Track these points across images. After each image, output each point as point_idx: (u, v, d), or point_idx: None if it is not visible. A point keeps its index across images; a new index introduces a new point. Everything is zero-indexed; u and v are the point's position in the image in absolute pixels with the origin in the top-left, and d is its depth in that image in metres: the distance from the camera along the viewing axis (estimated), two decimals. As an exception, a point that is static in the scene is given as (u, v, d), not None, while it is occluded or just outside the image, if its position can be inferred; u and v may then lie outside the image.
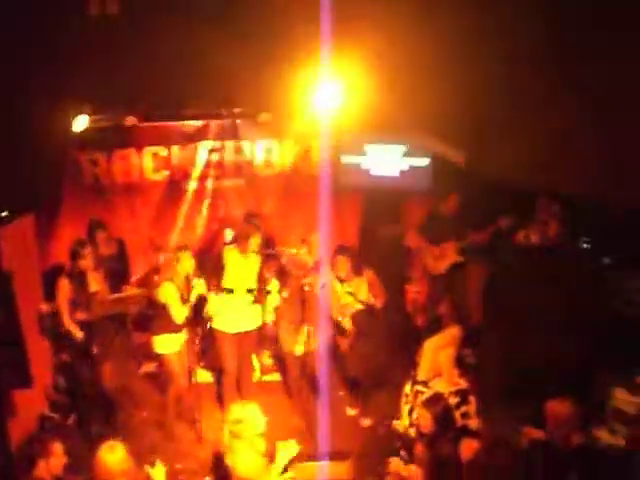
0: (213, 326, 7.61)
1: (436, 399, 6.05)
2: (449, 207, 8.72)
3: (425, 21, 5.87)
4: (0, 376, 6.08)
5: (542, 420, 5.11)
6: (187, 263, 7.31)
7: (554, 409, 4.98)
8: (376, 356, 7.82)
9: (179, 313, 7.22)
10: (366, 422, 7.80)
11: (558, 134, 6.11)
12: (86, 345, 7.14)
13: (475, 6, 5.75)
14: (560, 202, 7.90)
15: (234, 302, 7.52)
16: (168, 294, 7.23)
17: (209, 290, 7.54)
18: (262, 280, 7.72)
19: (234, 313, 7.54)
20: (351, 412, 8.02)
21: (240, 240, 7.56)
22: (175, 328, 7.30)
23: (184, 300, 7.24)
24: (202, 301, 7.68)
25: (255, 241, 7.48)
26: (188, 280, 7.30)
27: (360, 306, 7.87)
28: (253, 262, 7.59)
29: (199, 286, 7.37)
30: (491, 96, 5.88)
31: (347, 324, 7.85)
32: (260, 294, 7.69)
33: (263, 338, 8.69)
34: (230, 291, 7.50)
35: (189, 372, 7.42)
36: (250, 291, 7.55)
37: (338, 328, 7.90)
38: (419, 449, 5.94)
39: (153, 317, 7.50)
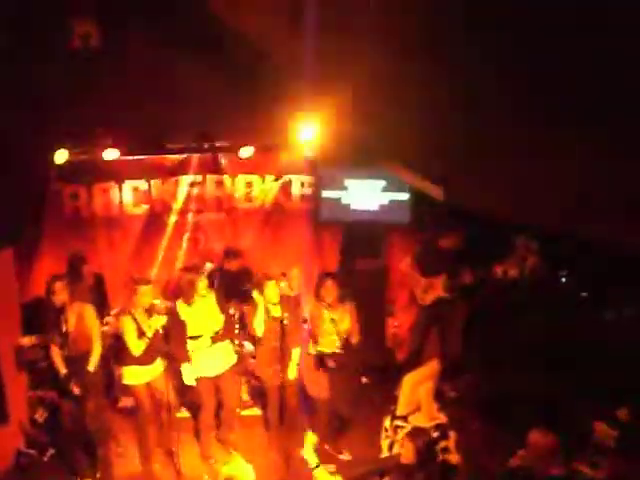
0: (191, 372, 7.47)
1: (420, 432, 6.06)
2: (449, 243, 8.75)
3: (405, 57, 5.94)
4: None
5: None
6: (146, 298, 7.27)
7: (536, 438, 5.02)
8: (349, 392, 7.77)
9: (135, 347, 7.18)
10: (344, 457, 7.74)
11: (538, 169, 6.17)
12: (66, 381, 7.04)
13: (454, 41, 5.82)
14: (538, 237, 8.00)
15: (205, 346, 7.44)
16: (125, 327, 7.22)
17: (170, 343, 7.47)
18: (227, 315, 7.69)
19: (208, 357, 7.46)
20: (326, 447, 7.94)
21: (184, 292, 7.49)
22: (144, 360, 7.28)
23: (141, 334, 7.19)
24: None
25: (202, 284, 7.44)
26: (150, 314, 7.25)
27: (336, 338, 7.80)
28: (208, 304, 7.53)
29: (157, 321, 7.25)
30: (470, 130, 5.95)
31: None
32: (227, 330, 7.66)
33: (242, 373, 8.67)
34: (197, 337, 7.43)
35: (167, 406, 7.34)
36: (216, 333, 7.49)
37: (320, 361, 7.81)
38: None
39: (123, 349, 7.45)
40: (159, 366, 7.39)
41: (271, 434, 7.92)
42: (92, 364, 7.17)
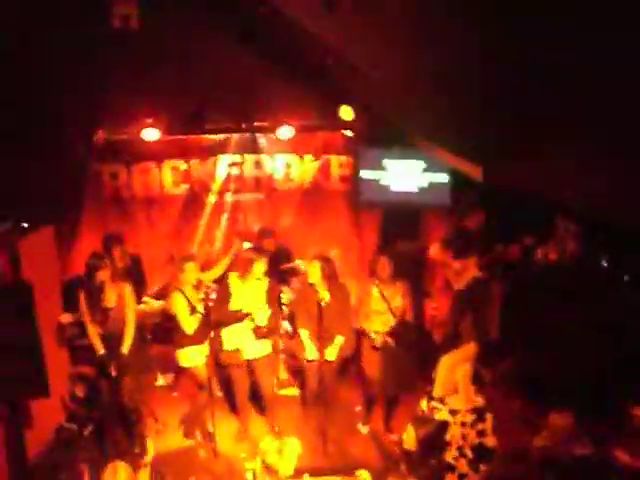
0: (225, 347, 7.42)
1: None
2: (474, 223, 8.68)
3: (442, 35, 5.87)
4: (18, 386, 6.11)
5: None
6: (191, 274, 7.31)
7: (554, 420, 5.00)
8: (408, 371, 7.76)
9: (188, 324, 7.21)
10: (393, 437, 7.72)
11: (579, 149, 6.07)
12: (105, 358, 7.13)
13: (492, 15, 5.72)
14: (579, 220, 7.86)
15: (243, 328, 7.38)
16: (176, 304, 7.26)
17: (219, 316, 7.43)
18: (273, 308, 7.56)
19: (245, 339, 7.39)
20: (363, 429, 7.96)
21: (242, 267, 7.44)
22: (197, 340, 7.29)
23: (193, 310, 7.23)
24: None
25: (259, 267, 7.33)
26: (198, 290, 7.29)
27: (390, 316, 7.73)
28: (258, 288, 7.44)
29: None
30: (510, 111, 5.86)
31: (378, 338, 7.70)
32: (273, 321, 7.55)
33: (280, 352, 8.70)
34: (237, 312, 7.37)
35: (209, 384, 7.37)
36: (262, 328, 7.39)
37: (369, 340, 7.70)
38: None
39: (172, 330, 7.50)
40: (207, 345, 7.41)
41: (308, 413, 7.96)
42: (126, 346, 7.18)
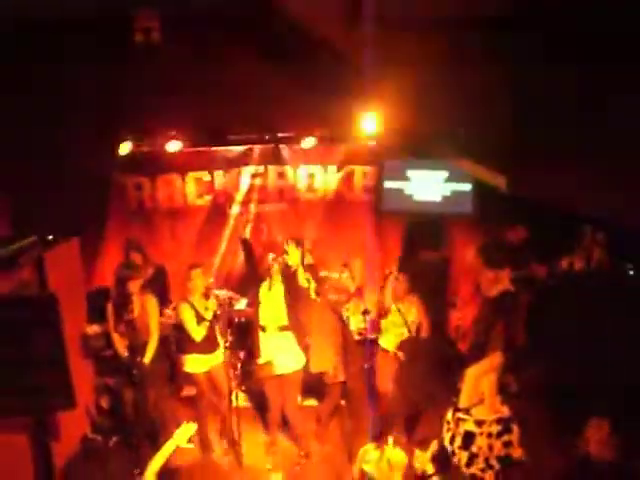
0: (259, 362, 7.32)
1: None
2: (515, 237, 8.59)
3: (464, 49, 5.88)
4: (44, 398, 6.12)
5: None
6: (199, 281, 7.29)
7: (592, 429, 4.92)
8: (420, 385, 7.69)
9: (196, 332, 7.20)
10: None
11: (603, 158, 6.04)
12: (129, 368, 7.13)
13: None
14: (605, 229, 7.80)
15: (271, 341, 7.27)
16: (183, 314, 7.27)
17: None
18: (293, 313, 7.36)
19: (274, 353, 7.27)
20: None
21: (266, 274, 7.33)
22: (206, 349, 7.31)
23: (200, 319, 7.21)
24: (247, 325, 7.66)
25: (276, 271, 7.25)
26: (207, 298, 7.28)
27: (404, 329, 7.68)
28: (276, 296, 7.31)
29: (213, 304, 7.25)
30: (532, 120, 5.85)
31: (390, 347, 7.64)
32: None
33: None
34: (263, 329, 7.30)
35: (229, 394, 7.34)
36: (282, 329, 7.28)
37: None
38: None
39: (185, 337, 7.50)
40: (219, 355, 7.43)
41: (321, 426, 7.94)
42: (148, 356, 7.21)
